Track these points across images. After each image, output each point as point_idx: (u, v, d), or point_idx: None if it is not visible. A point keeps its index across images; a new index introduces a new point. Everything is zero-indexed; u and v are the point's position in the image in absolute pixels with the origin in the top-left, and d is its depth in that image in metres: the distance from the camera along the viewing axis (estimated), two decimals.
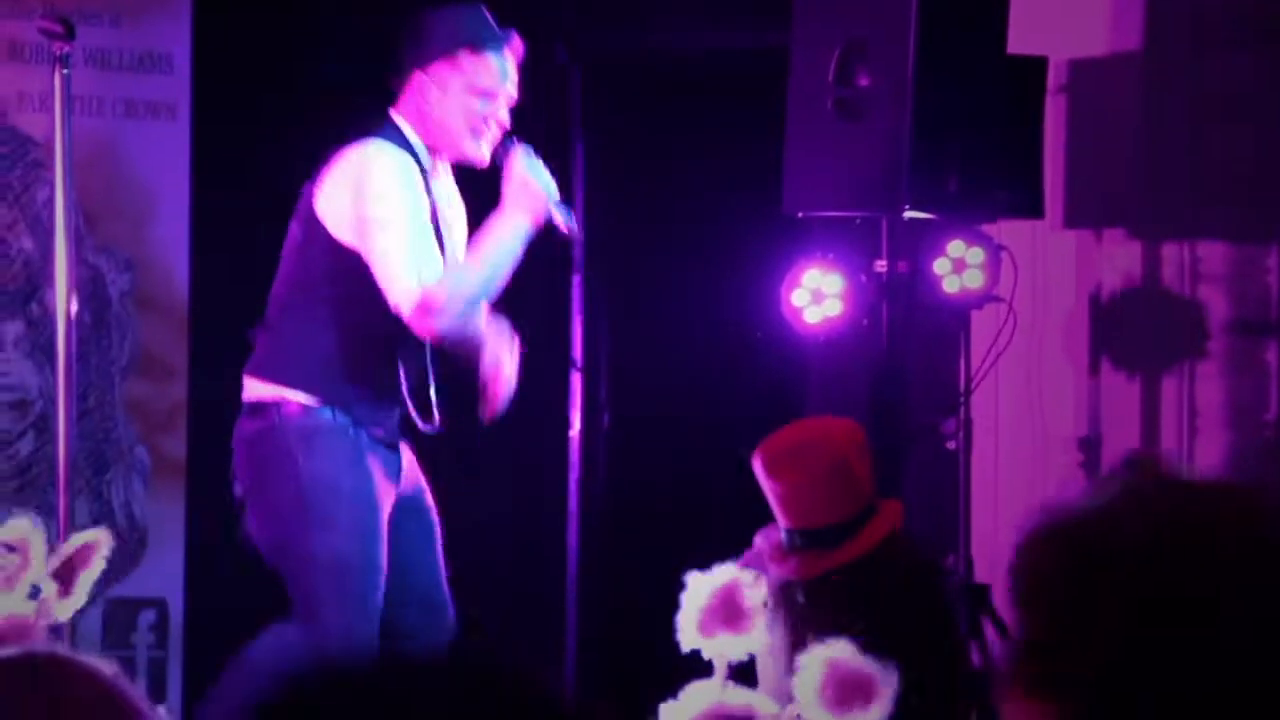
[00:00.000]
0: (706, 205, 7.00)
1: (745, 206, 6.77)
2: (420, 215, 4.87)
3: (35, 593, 4.05)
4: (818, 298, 6.14)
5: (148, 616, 6.48)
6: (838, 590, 4.22)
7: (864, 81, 5.98)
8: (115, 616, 6.40)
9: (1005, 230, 6.24)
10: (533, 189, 4.85)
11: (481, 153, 4.92)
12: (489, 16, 4.98)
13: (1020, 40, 6.00)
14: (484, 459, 6.91)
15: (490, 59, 4.93)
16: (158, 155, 6.56)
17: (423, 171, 4.94)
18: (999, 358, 6.13)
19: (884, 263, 6.05)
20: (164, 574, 6.50)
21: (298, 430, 4.93)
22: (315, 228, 4.94)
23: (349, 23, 6.96)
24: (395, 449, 5.00)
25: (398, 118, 4.97)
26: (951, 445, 6.17)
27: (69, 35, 4.93)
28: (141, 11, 6.51)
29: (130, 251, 6.55)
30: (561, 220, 4.94)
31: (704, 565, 4.00)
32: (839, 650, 3.59)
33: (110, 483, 6.49)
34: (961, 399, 6.15)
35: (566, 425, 7.06)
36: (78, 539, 4.12)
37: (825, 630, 3.67)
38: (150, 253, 6.57)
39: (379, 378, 4.94)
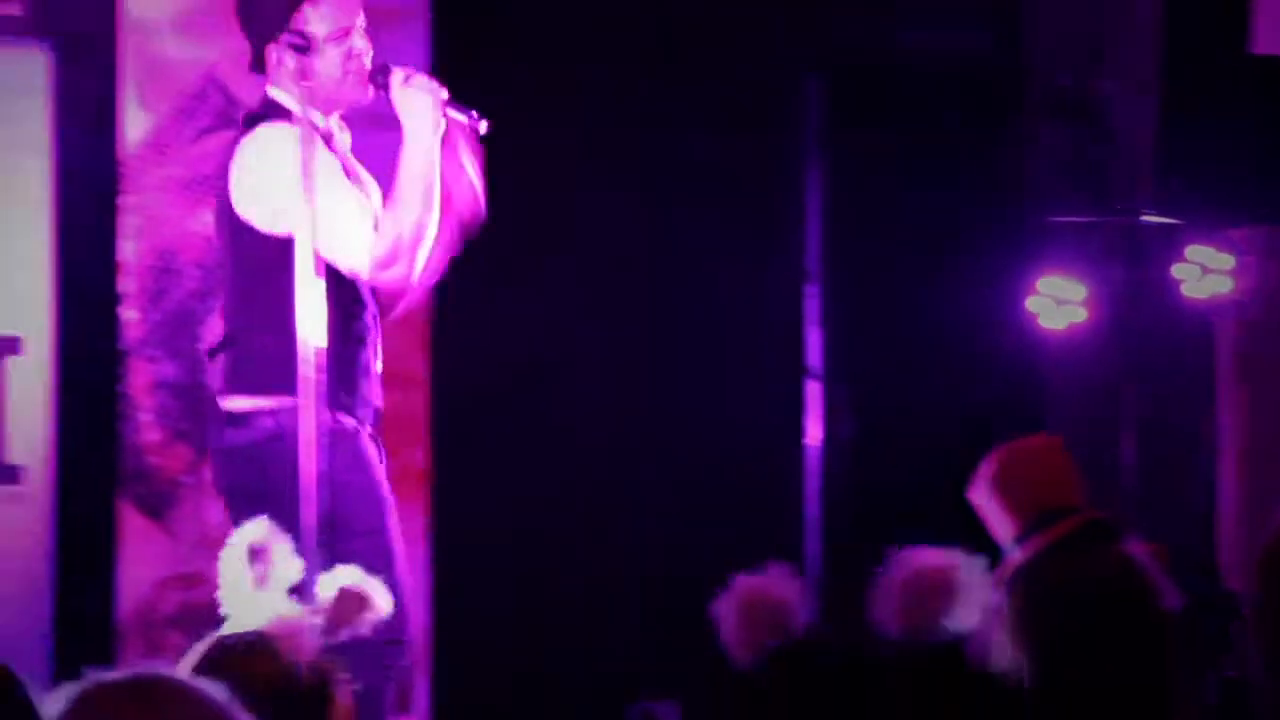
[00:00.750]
0: (943, 212, 6.88)
1: (982, 213, 6.68)
2: (336, 179, 4.77)
3: (292, 591, 4.11)
4: (1057, 304, 6.04)
5: None
6: (1035, 582, 4.07)
7: (1103, 84, 5.88)
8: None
9: (1250, 234, 6.08)
10: (418, 103, 4.78)
11: (360, 92, 4.86)
12: None
13: (1267, 40, 5.84)
14: (717, 468, 6.92)
15: (321, 4, 4.85)
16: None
17: (322, 136, 4.83)
18: (1245, 362, 5.97)
19: (1125, 268, 5.92)
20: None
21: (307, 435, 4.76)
22: (242, 229, 4.83)
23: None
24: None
25: (275, 93, 4.90)
26: (1199, 453, 6.01)
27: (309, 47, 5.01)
28: (387, 25, 6.16)
29: None
30: (460, 117, 4.87)
31: None
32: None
33: None
34: (1208, 404, 6.00)
35: (802, 434, 6.99)
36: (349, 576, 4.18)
37: (1024, 623, 3.63)
38: None
39: (351, 362, 4.92)
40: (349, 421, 4.88)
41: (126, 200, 6.24)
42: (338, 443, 4.78)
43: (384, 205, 4.79)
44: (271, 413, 4.81)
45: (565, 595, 6.81)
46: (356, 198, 4.77)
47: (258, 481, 4.80)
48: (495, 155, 6.76)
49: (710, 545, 6.77)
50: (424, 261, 4.79)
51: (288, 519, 4.46)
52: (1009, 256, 6.40)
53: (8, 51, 6.16)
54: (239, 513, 4.59)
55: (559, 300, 6.95)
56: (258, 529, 4.10)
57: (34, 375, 6.12)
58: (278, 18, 4.85)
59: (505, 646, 6.61)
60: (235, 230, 4.83)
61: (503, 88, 6.78)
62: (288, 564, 4.18)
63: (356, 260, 4.73)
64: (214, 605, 4.05)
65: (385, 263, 4.73)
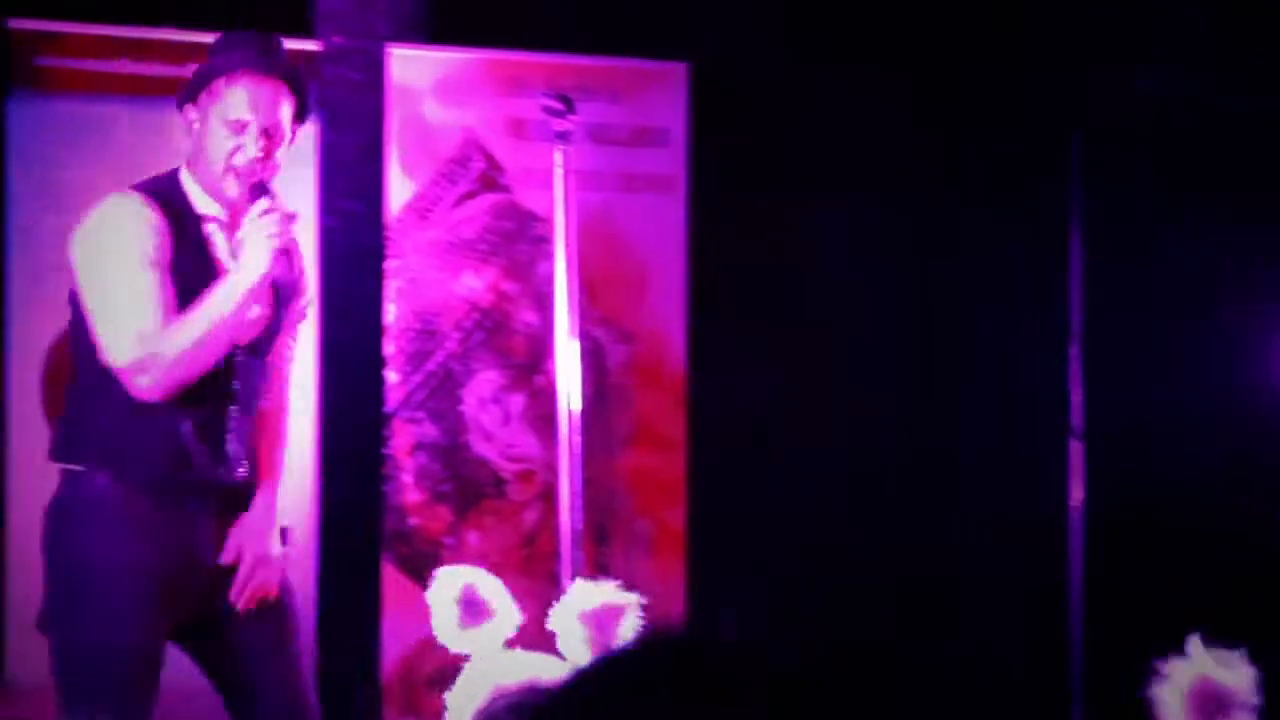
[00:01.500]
0: (1209, 267, 6.78)
1: (1252, 267, 6.55)
2: (138, 270, 4.32)
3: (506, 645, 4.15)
4: None
5: None
6: None
7: None
8: None
9: None
10: (259, 243, 4.34)
11: (232, 192, 4.41)
12: (264, 42, 4.56)
13: None
14: (977, 531, 6.84)
15: (241, 87, 4.44)
16: (656, 228, 6.62)
17: (190, 219, 4.45)
18: None
19: None
20: None
21: (60, 502, 4.43)
22: (74, 295, 4.47)
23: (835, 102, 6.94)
24: (205, 516, 4.45)
25: (184, 165, 4.55)
26: None
27: (570, 111, 5.01)
28: (640, 88, 6.61)
29: (629, 323, 6.60)
30: (284, 275, 4.52)
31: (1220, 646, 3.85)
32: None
33: (612, 553, 6.53)
34: None
35: (1066, 495, 6.84)
36: (607, 595, 4.21)
37: None
38: (649, 324, 6.62)
39: (161, 434, 4.38)
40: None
41: (389, 264, 6.33)
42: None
43: (168, 318, 4.33)
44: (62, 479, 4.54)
45: (820, 657, 6.72)
46: (149, 300, 4.31)
47: None
48: (751, 217, 6.86)
49: (971, 607, 6.74)
50: (171, 382, 4.30)
51: None
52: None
53: None
54: None
55: (816, 362, 6.94)
56: (471, 574, 4.16)
57: (299, 437, 6.18)
58: (200, 80, 4.50)
59: None
60: (71, 292, 4.51)
61: (759, 150, 6.94)
62: (504, 610, 4.24)
63: (114, 360, 4.31)
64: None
65: (131, 370, 4.28)
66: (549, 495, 6.36)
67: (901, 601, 6.80)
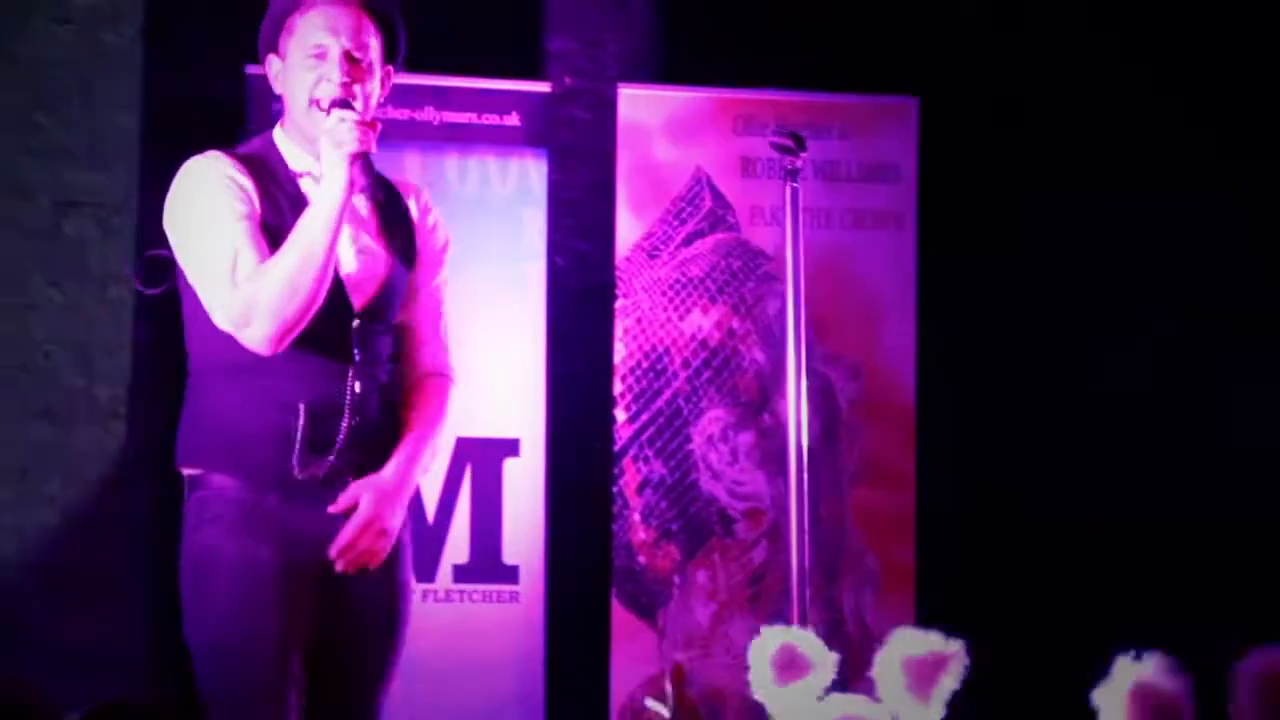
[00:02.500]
0: None
1: None
2: (227, 224, 4.08)
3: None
4: None
5: None
6: None
7: None
8: None
9: None
10: (335, 152, 4.01)
11: (319, 126, 4.09)
12: None
13: None
14: (1225, 575, 6.70)
15: (318, 13, 4.16)
16: (885, 264, 6.57)
17: (283, 176, 4.20)
18: None
19: None
20: None
21: (185, 507, 4.25)
22: (181, 279, 4.24)
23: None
24: (317, 517, 4.17)
25: (278, 125, 4.29)
26: None
27: (800, 149, 4.96)
28: (870, 124, 6.58)
29: (859, 359, 6.56)
30: (365, 183, 4.08)
31: None
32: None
33: (841, 591, 6.49)
34: None
35: None
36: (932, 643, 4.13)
37: None
38: (878, 360, 6.57)
39: (273, 427, 4.14)
40: None
41: (618, 303, 6.36)
42: None
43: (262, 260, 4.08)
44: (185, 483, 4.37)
45: (1054, 703, 6.70)
46: (226, 245, 4.06)
47: None
48: (982, 251, 6.80)
49: (1206, 648, 6.59)
50: (279, 330, 4.03)
51: None
52: None
53: (507, 161, 6.30)
54: None
55: (1047, 398, 6.89)
56: (789, 635, 4.10)
57: (530, 476, 6.23)
58: (274, 23, 4.25)
59: None
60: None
61: (994, 198, 6.92)
62: (822, 663, 4.16)
63: (219, 318, 4.07)
64: (699, 704, 4.04)
65: (239, 322, 4.02)
66: (777, 533, 6.34)
67: (1139, 641, 6.69)
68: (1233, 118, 6.93)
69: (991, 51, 6.86)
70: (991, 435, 6.82)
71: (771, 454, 6.36)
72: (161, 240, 6.26)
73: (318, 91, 4.12)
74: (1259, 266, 6.93)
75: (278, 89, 4.24)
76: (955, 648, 4.13)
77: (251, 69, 6.09)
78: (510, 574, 6.22)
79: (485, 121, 6.33)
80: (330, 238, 4.00)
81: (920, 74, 6.67)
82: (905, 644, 4.16)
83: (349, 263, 4.16)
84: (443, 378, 4.33)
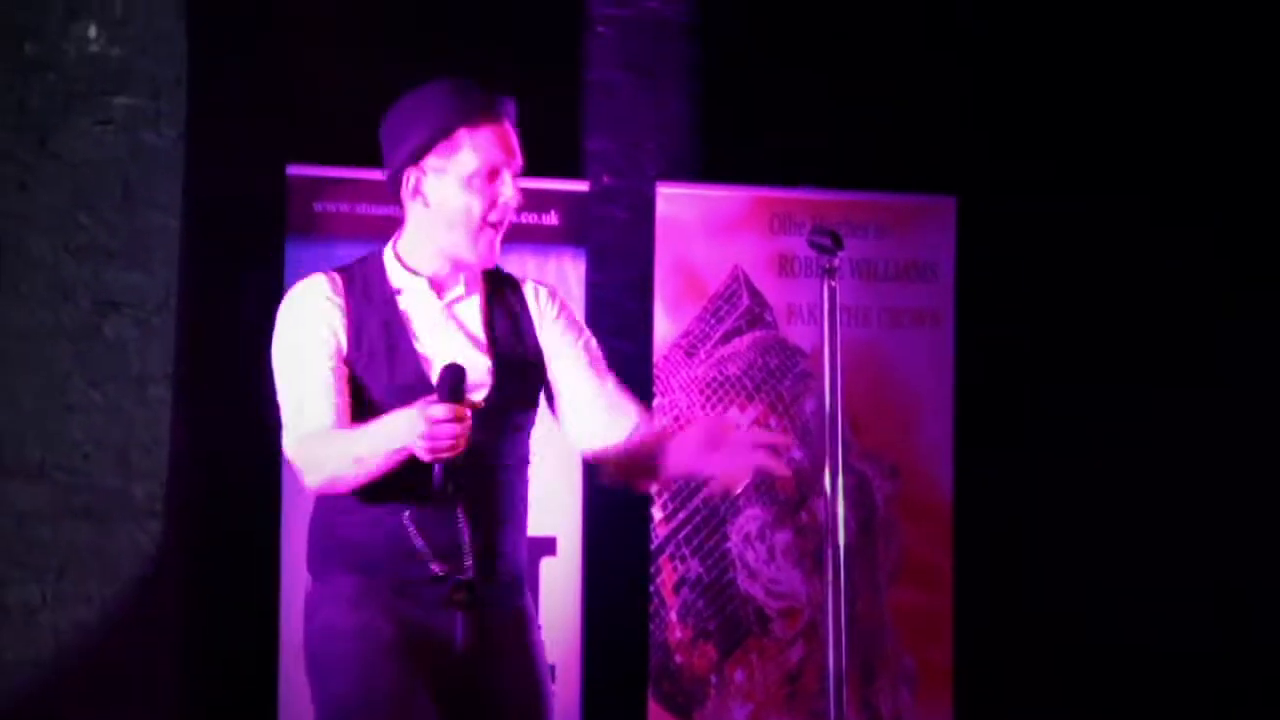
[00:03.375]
0: None
1: None
2: (314, 361, 4.05)
3: None
4: None
5: None
6: None
7: None
8: None
9: None
10: (400, 429, 3.85)
11: (480, 252, 4.05)
12: (482, 94, 4.13)
13: None
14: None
15: (491, 131, 4.07)
16: (922, 362, 6.59)
17: (381, 294, 4.12)
18: None
19: None
20: None
21: (308, 599, 4.19)
22: None
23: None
24: (437, 611, 4.08)
25: (390, 244, 4.18)
26: None
27: (838, 248, 4.95)
28: (907, 222, 6.61)
29: (895, 458, 6.57)
30: (438, 481, 3.90)
31: None
32: None
33: (878, 691, 6.48)
34: None
35: None
36: None
37: None
38: (915, 459, 6.58)
39: (383, 531, 4.09)
40: None
41: (656, 401, 6.38)
42: None
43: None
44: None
45: None
46: (302, 382, 4.05)
47: None
48: (1019, 350, 6.80)
49: None
50: (335, 487, 3.97)
51: None
52: None
53: (546, 259, 6.33)
54: None
55: (1086, 496, 6.89)
56: None
57: (567, 575, 6.21)
58: (426, 135, 4.12)
59: None
60: None
61: (1030, 278, 6.95)
62: None
63: (288, 453, 4.07)
64: None
65: (295, 465, 4.03)
66: (814, 632, 6.36)
67: None
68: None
69: (1030, 149, 6.92)
70: (1030, 537, 6.83)
71: (808, 552, 6.40)
72: (200, 340, 6.45)
73: (495, 215, 4.04)
74: None
75: (415, 200, 4.07)
76: None
77: (292, 169, 6.21)
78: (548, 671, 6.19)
79: (524, 220, 6.33)
80: (382, 467, 3.89)
81: (958, 173, 6.74)
82: None
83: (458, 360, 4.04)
84: (664, 432, 4.22)
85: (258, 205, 6.26)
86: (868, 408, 6.43)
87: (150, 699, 6.22)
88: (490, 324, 4.14)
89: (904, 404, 6.57)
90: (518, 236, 6.30)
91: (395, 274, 4.12)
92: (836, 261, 4.91)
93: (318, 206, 6.23)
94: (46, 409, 6.19)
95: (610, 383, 4.27)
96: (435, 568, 4.00)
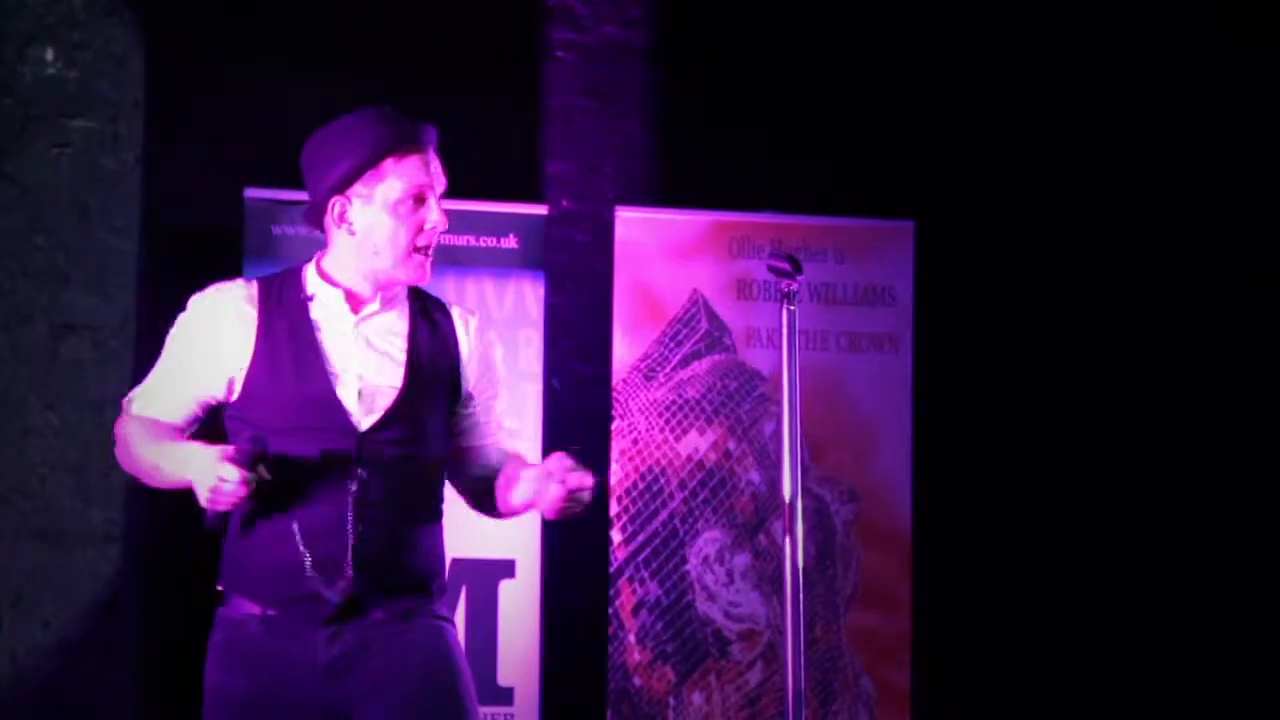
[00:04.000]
0: None
1: None
2: (175, 361, 4.10)
3: None
4: None
5: None
6: None
7: None
8: None
9: None
10: (199, 485, 3.94)
11: (408, 273, 4.10)
12: (404, 123, 4.19)
13: None
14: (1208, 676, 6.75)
15: (416, 159, 4.14)
16: (881, 387, 6.58)
17: (293, 297, 4.13)
18: None
19: None
20: None
21: (214, 631, 4.20)
22: None
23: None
24: (316, 626, 4.09)
25: (311, 263, 4.22)
26: None
27: (797, 272, 4.95)
28: (866, 247, 6.61)
29: (854, 482, 6.56)
30: (210, 520, 3.97)
31: None
32: None
33: (837, 713, 6.48)
34: None
35: None
36: None
37: None
38: (874, 483, 6.57)
39: (278, 548, 4.09)
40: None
41: (614, 424, 6.38)
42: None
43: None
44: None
45: None
46: (169, 385, 4.13)
47: None
48: (977, 374, 6.78)
49: None
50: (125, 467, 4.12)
51: None
52: None
53: (505, 282, 6.34)
54: None
55: (1044, 521, 6.93)
56: None
57: (525, 598, 6.22)
58: (356, 164, 4.17)
59: None
60: None
61: (988, 302, 7.00)
62: None
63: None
64: None
65: (116, 427, 4.18)
66: (773, 654, 6.34)
67: None
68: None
69: (989, 176, 6.96)
70: (989, 561, 6.85)
71: (767, 575, 6.39)
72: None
73: (422, 240, 4.09)
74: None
75: (339, 227, 4.11)
76: None
77: (250, 193, 6.19)
78: (505, 696, 6.18)
79: (483, 244, 6.37)
80: (176, 483, 3.98)
81: (917, 198, 6.76)
82: None
83: (378, 378, 4.14)
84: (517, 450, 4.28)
85: (214, 229, 6.26)
86: (826, 432, 6.44)
87: (107, 717, 6.17)
88: (412, 337, 4.15)
89: (862, 428, 6.56)
90: (477, 259, 6.34)
91: (311, 282, 4.13)
92: (795, 285, 4.90)
93: (275, 230, 6.24)
94: (3, 432, 6.20)
95: (493, 438, 4.25)
96: (311, 578, 4.00)
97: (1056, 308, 6.98)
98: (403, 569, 4.11)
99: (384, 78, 6.04)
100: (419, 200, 4.11)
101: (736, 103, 6.81)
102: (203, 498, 3.92)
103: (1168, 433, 6.95)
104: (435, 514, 4.19)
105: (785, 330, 4.88)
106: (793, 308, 4.90)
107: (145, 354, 6.07)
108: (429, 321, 4.23)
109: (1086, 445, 6.93)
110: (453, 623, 4.21)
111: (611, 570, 6.36)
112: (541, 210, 6.38)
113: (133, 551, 6.25)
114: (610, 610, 6.36)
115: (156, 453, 4.08)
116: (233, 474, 3.89)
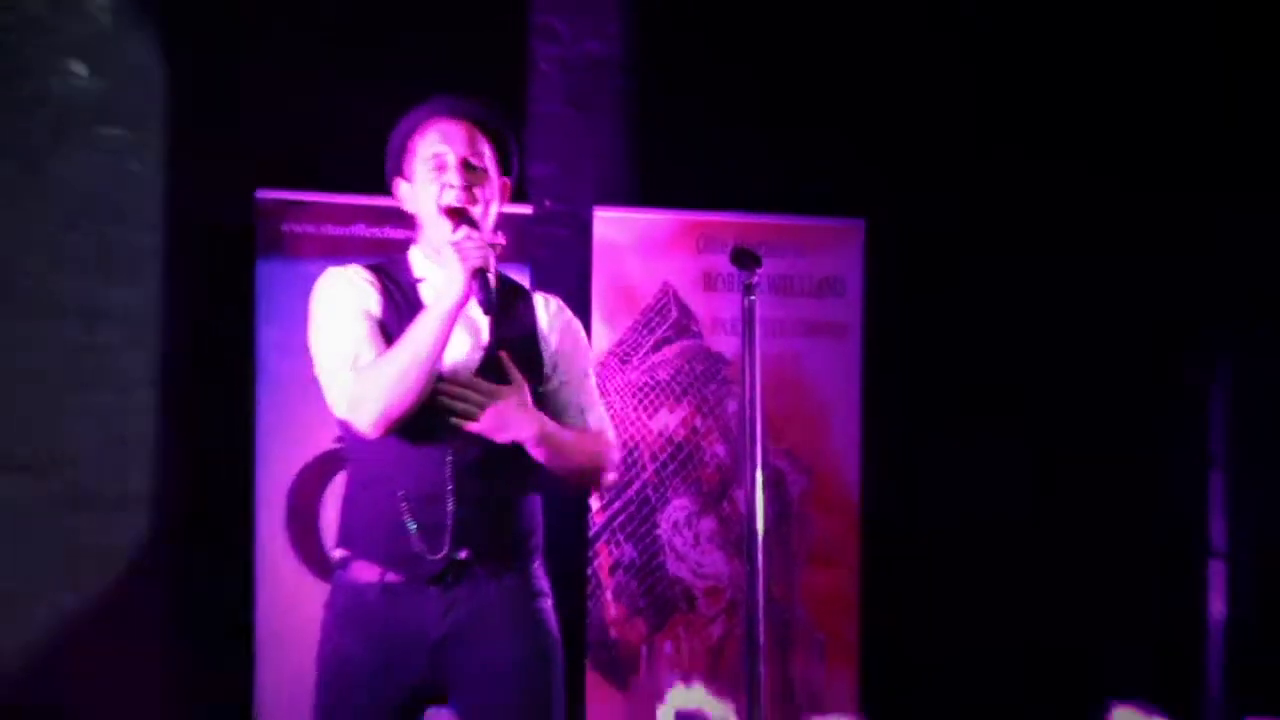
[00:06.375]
0: None
1: None
2: (349, 320, 4.07)
3: None
4: None
5: None
6: None
7: None
8: None
9: None
10: (451, 264, 3.98)
11: (446, 236, 4.06)
12: (451, 98, 4.20)
13: None
14: (1119, 637, 6.75)
15: (433, 130, 4.14)
16: (832, 370, 6.53)
17: (405, 282, 4.15)
18: None
19: None
20: None
21: (332, 582, 4.20)
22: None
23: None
24: (431, 590, 4.08)
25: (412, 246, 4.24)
26: None
27: (757, 265, 4.83)
28: (820, 243, 6.57)
29: (808, 456, 6.52)
30: (481, 297, 4.00)
31: None
32: None
33: (792, 662, 6.45)
34: None
35: (1208, 609, 6.80)
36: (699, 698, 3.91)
37: None
38: (825, 457, 6.53)
39: (388, 514, 4.07)
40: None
41: None
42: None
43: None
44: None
45: None
46: (348, 340, 4.06)
47: None
48: (921, 359, 6.76)
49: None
50: (385, 416, 3.98)
51: None
52: None
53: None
54: None
55: (980, 490, 6.83)
56: (692, 694, 3.90)
57: None
58: (396, 150, 4.23)
59: None
60: None
61: (931, 295, 6.88)
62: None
63: (334, 404, 4.08)
64: None
65: (352, 407, 4.01)
66: (734, 609, 6.29)
67: (1045, 698, 6.64)
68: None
69: (933, 179, 6.85)
70: (928, 525, 6.76)
71: (730, 538, 6.35)
72: (180, 348, 6.23)
73: (443, 199, 4.09)
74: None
75: (409, 209, 4.19)
76: (719, 708, 3.93)
77: (261, 194, 6.13)
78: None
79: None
80: (437, 341, 3.96)
81: (867, 198, 6.65)
82: (680, 697, 3.98)
83: (455, 356, 4.09)
84: (600, 434, 4.29)
85: (229, 226, 6.15)
86: (783, 410, 6.38)
87: (136, 676, 6.13)
88: (496, 318, 4.11)
89: (816, 408, 6.51)
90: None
91: (419, 266, 4.16)
92: (755, 278, 4.86)
93: (285, 227, 6.12)
94: (41, 410, 6.10)
95: (593, 408, 4.27)
96: (417, 545, 4.00)
97: (994, 300, 6.87)
98: (501, 533, 4.10)
99: (383, 91, 5.54)
100: (439, 167, 4.09)
101: (704, 111, 6.67)
102: (461, 268, 3.89)
103: (1089, 407, 6.89)
104: (529, 483, 4.15)
105: (746, 318, 4.88)
106: (753, 298, 4.85)
107: (168, 338, 6.20)
108: (510, 304, 4.19)
109: (1014, 425, 6.84)
110: (551, 597, 4.18)
111: (590, 535, 6.35)
112: (526, 210, 6.31)
113: (157, 518, 6.20)
114: (589, 570, 6.34)
115: (401, 350, 3.94)
116: (461, 234, 3.95)
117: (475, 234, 4.04)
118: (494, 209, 4.17)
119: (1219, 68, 6.92)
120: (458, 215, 4.06)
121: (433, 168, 4.12)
